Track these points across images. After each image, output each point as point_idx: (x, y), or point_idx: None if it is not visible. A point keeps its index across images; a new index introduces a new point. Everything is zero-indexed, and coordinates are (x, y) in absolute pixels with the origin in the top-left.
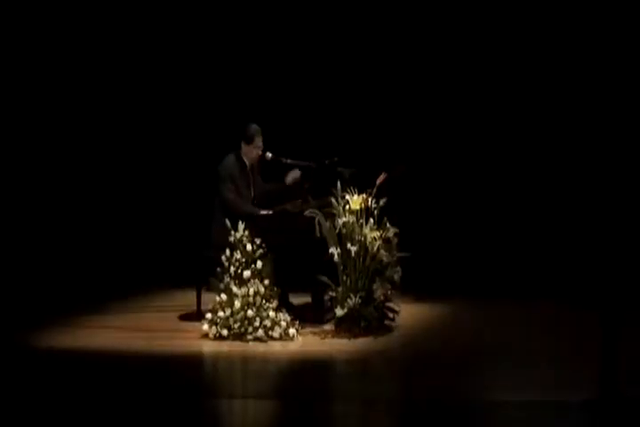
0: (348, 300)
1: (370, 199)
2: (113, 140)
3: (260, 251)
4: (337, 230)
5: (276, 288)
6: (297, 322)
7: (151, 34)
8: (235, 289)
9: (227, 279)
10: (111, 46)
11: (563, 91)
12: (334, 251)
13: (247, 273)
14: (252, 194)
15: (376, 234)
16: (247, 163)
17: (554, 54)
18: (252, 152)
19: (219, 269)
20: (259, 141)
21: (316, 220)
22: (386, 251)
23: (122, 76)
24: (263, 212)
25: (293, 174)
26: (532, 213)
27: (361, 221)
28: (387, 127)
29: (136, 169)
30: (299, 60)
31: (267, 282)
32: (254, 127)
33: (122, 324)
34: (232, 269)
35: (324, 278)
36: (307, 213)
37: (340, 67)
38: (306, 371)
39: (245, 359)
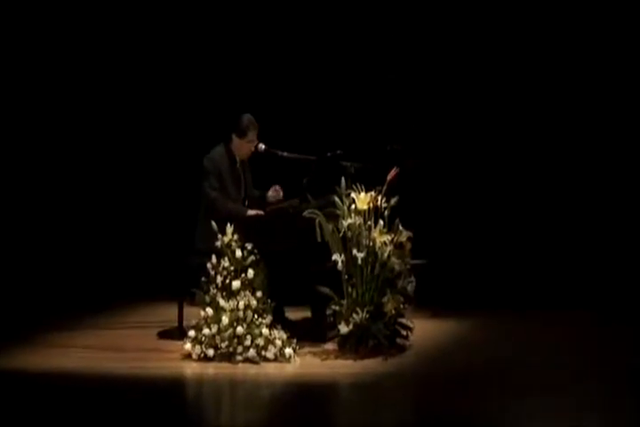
0: (354, 315)
1: (379, 198)
2: (85, 132)
3: (252, 258)
4: (341, 234)
5: (270, 301)
6: (294, 340)
7: (139, 21)
8: (222, 302)
9: (213, 291)
10: (98, 37)
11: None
12: (338, 258)
13: (236, 284)
14: (242, 194)
15: (386, 238)
16: (237, 158)
17: (572, 50)
18: (243, 147)
19: (203, 278)
20: (253, 136)
21: (317, 221)
22: (398, 258)
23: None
24: (251, 212)
25: (274, 194)
26: (563, 215)
27: (369, 223)
28: (397, 115)
29: (109, 163)
30: (297, 43)
31: (259, 294)
32: (248, 119)
33: (93, 343)
34: (219, 278)
35: (326, 290)
36: (306, 213)
37: (343, 51)
38: (304, 397)
39: (234, 384)
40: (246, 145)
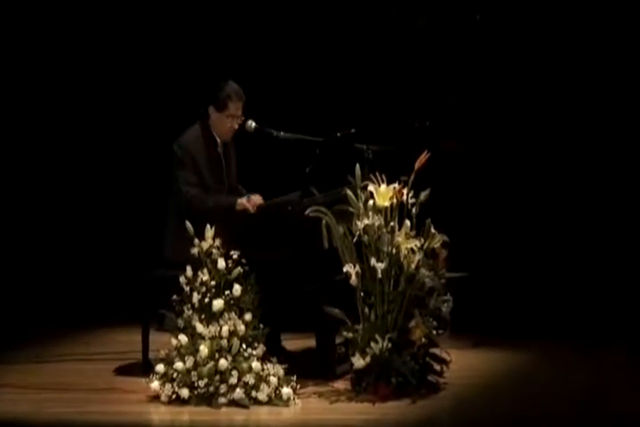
0: (372, 344)
1: (405, 191)
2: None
3: (239, 270)
4: (355, 238)
5: (262, 326)
6: (294, 378)
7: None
8: (200, 328)
9: (188, 312)
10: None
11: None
12: (351, 269)
13: (218, 303)
14: (225, 186)
15: (414, 244)
16: (218, 139)
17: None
18: (224, 123)
19: (175, 296)
20: (235, 108)
21: (324, 222)
22: (429, 270)
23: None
24: (243, 200)
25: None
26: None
27: (391, 224)
28: (429, 79)
29: (58, 155)
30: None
31: (248, 317)
32: (230, 86)
33: (32, 380)
34: (196, 296)
35: (335, 312)
36: (309, 211)
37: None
38: None
39: None
40: (227, 120)
